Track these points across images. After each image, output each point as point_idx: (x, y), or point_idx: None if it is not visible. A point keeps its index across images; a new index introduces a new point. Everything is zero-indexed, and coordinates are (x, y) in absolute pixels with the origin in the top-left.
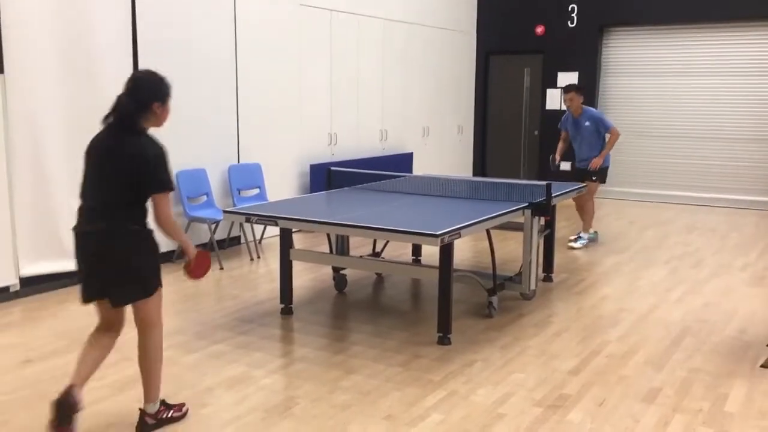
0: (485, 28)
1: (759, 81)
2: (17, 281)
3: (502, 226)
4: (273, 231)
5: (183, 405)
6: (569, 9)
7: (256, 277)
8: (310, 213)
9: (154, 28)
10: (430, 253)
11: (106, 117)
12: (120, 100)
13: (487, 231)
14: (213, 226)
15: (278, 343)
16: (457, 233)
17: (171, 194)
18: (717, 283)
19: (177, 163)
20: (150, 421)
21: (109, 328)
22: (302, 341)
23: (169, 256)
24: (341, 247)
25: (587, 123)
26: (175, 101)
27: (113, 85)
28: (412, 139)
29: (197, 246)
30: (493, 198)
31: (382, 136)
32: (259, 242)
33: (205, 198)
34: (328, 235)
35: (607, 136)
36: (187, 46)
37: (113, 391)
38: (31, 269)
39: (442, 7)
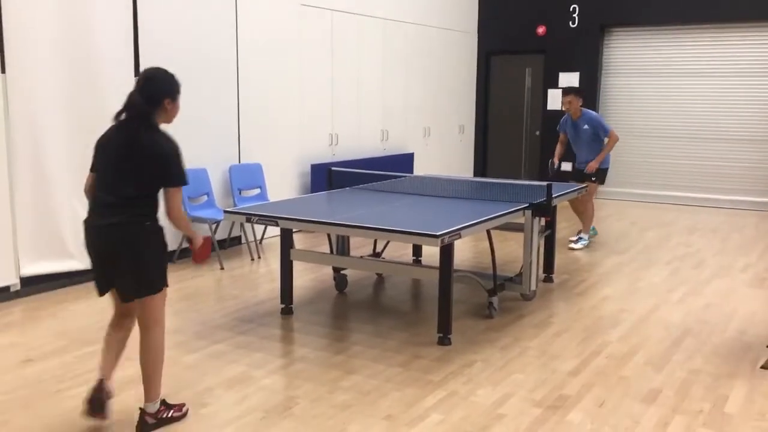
0: (486, 28)
1: (760, 82)
2: (18, 281)
3: (503, 227)
4: (274, 231)
5: (183, 405)
6: (570, 9)
7: (257, 277)
8: (311, 213)
9: (155, 28)
10: (431, 253)
11: (119, 114)
12: (132, 97)
13: (488, 231)
14: (214, 226)
15: (278, 343)
16: (457, 234)
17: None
18: (718, 284)
19: None
20: (150, 420)
21: (121, 322)
22: (302, 341)
23: (170, 256)
24: (342, 247)
25: (586, 126)
26: None
27: (114, 85)
28: (413, 139)
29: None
30: (493, 198)
31: (383, 136)
32: (260, 242)
33: (205, 198)
34: (329, 236)
35: (606, 139)
36: (188, 46)
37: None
38: (31, 269)
39: (443, 8)
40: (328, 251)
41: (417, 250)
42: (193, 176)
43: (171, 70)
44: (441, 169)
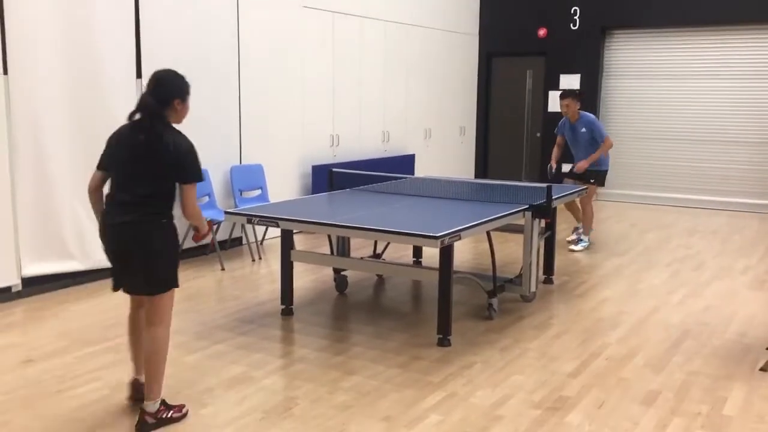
0: (487, 30)
1: (761, 84)
2: (19, 281)
3: (503, 228)
4: (274, 232)
5: (183, 406)
6: (571, 11)
7: (258, 278)
8: (311, 214)
9: (157, 29)
10: (431, 254)
11: (132, 114)
12: (144, 98)
13: (488, 233)
14: (215, 227)
15: (278, 344)
16: (457, 235)
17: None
18: (718, 286)
19: None
20: (150, 420)
21: (140, 314)
22: (302, 342)
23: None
24: (342, 248)
25: (584, 129)
26: None
27: (115, 86)
28: (414, 140)
29: (199, 246)
30: (493, 200)
31: (384, 137)
32: (261, 243)
33: (207, 199)
34: (329, 237)
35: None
36: (190, 47)
37: (113, 391)
38: (33, 269)
39: (445, 9)
40: (329, 252)
41: (417, 252)
42: None
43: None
44: (442, 171)
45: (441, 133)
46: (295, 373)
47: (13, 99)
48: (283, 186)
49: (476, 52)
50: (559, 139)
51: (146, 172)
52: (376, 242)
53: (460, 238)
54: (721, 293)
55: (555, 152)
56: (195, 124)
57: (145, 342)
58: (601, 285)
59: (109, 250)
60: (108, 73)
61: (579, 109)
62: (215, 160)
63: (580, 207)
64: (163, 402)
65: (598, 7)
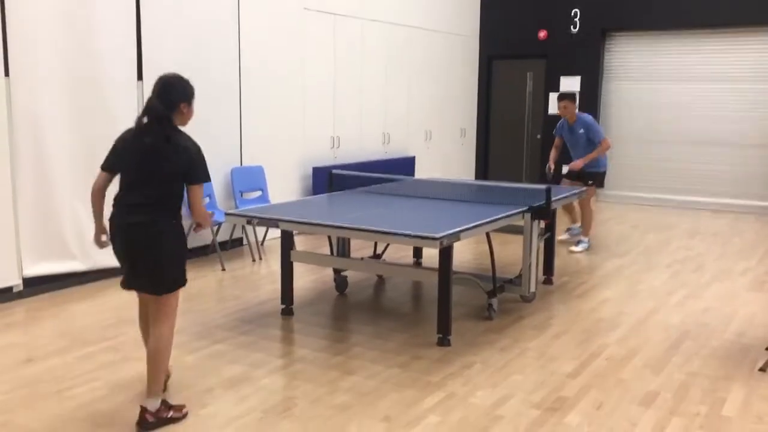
0: (488, 33)
1: (762, 87)
2: (20, 281)
3: (503, 229)
4: (275, 233)
5: (183, 407)
6: (572, 14)
7: (258, 278)
8: (311, 215)
9: (158, 31)
10: (432, 255)
11: (140, 118)
12: (151, 101)
13: (487, 234)
14: (215, 228)
15: (278, 344)
16: (456, 236)
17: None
18: (718, 287)
19: None
20: (150, 418)
21: (148, 313)
22: (302, 342)
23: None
24: (342, 249)
25: (581, 130)
26: None
27: (117, 88)
28: (414, 142)
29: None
30: (493, 201)
31: (384, 139)
32: (262, 244)
33: (207, 200)
34: (329, 237)
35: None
36: (191, 48)
37: (112, 392)
38: (33, 270)
39: (446, 12)
40: (329, 253)
41: (417, 252)
42: None
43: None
44: (442, 173)
45: (441, 135)
46: (295, 373)
47: (14, 100)
48: (284, 188)
49: (477, 55)
50: (557, 140)
51: (155, 174)
52: (376, 243)
53: (459, 239)
54: (720, 294)
55: (553, 153)
56: (196, 126)
57: (150, 338)
58: (601, 286)
59: (119, 250)
60: (108, 75)
61: (576, 111)
62: (216, 161)
63: (576, 208)
64: (164, 401)
65: (599, 9)
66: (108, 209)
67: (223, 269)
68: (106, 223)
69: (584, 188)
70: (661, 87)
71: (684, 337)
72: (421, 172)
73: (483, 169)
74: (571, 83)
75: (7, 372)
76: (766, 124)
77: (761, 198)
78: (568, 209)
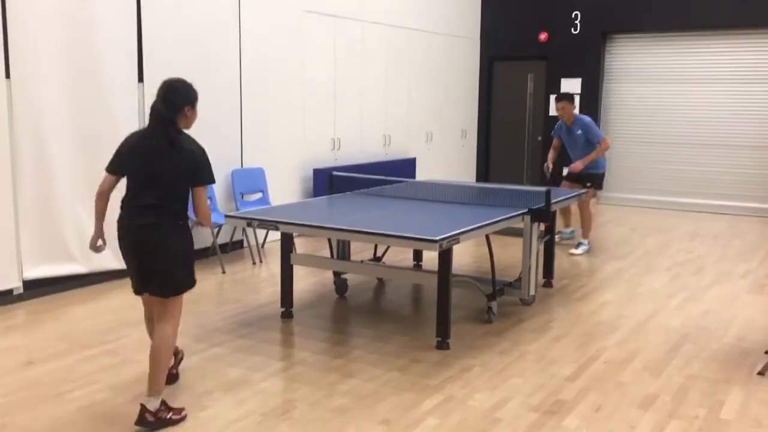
0: (489, 35)
1: (762, 88)
2: (20, 284)
3: (503, 232)
4: (275, 235)
5: (182, 409)
6: (572, 16)
7: (258, 281)
8: (311, 218)
9: (159, 33)
10: (432, 257)
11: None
12: (155, 105)
13: (487, 236)
14: (216, 230)
15: (278, 347)
16: (455, 239)
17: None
18: (717, 290)
19: None
20: (150, 418)
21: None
22: (302, 345)
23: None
24: (342, 251)
25: (579, 131)
26: None
27: (117, 89)
28: (415, 144)
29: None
30: (493, 204)
31: (385, 141)
32: (262, 246)
33: (208, 202)
34: (329, 240)
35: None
36: (192, 50)
37: (112, 395)
38: (34, 272)
39: (446, 14)
40: (329, 255)
41: (418, 255)
42: None
43: (174, 74)
44: (443, 174)
45: (442, 137)
46: (294, 376)
47: (15, 102)
48: (285, 189)
49: (478, 56)
50: (555, 141)
51: (162, 177)
52: (376, 245)
53: (458, 242)
54: (720, 297)
55: (551, 154)
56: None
57: (154, 337)
58: (601, 288)
59: (127, 251)
60: (109, 75)
61: (574, 112)
62: (216, 163)
63: (572, 211)
64: (164, 402)
65: (599, 11)
66: (112, 212)
67: (224, 272)
68: (107, 228)
69: (584, 190)
70: (662, 89)
71: (683, 340)
72: (422, 174)
73: (484, 171)
74: (571, 85)
75: (7, 375)
76: (766, 126)
77: (762, 200)
78: (564, 212)
